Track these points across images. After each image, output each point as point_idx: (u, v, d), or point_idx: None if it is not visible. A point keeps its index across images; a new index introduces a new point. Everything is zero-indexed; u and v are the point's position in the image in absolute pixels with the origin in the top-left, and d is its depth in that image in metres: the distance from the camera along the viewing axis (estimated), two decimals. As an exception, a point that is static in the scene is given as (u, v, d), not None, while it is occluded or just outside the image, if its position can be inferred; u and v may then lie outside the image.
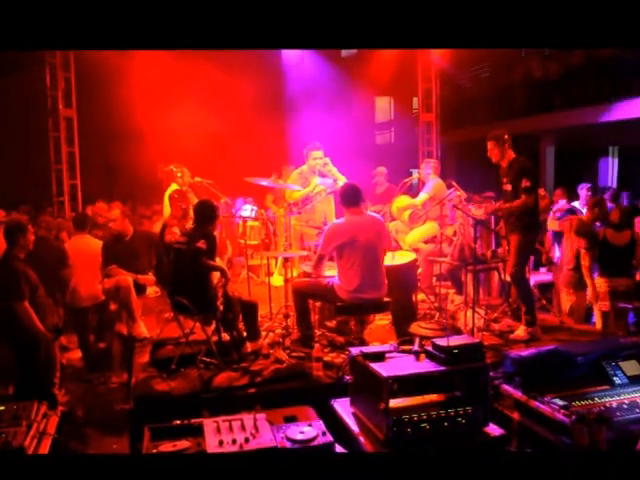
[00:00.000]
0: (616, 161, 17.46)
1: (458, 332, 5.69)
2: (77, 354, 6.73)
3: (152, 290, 7.40)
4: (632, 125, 13.22)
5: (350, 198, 5.29)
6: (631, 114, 12.61)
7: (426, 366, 3.61)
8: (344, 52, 18.41)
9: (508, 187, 5.83)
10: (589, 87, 13.79)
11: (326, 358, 5.13)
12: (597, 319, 6.39)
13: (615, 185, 16.09)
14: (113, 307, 6.60)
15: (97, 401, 5.65)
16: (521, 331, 5.77)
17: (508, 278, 6.19)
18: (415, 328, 5.99)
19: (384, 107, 23.71)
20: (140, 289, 6.47)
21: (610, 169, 17.46)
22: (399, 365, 3.60)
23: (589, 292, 6.43)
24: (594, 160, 17.77)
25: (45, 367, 5.10)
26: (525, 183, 5.64)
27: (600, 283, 6.28)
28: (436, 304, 6.73)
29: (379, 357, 3.72)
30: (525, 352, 4.35)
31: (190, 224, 5.69)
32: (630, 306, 6.10)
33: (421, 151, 12.40)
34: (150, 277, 6.51)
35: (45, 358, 5.08)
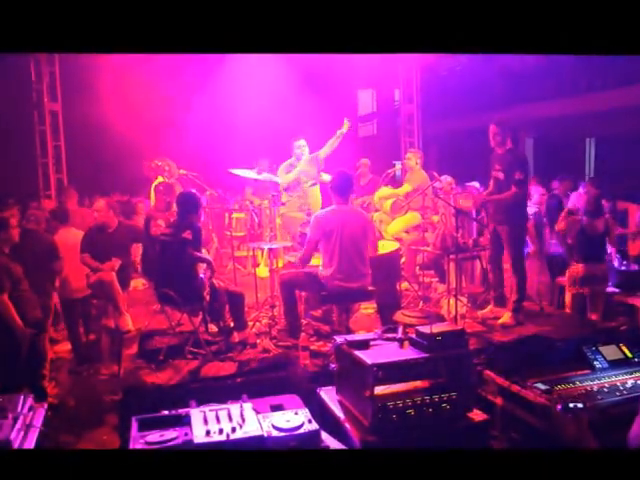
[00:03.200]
0: (593, 152, 17.63)
1: (441, 319, 5.77)
2: (66, 346, 6.71)
3: (139, 282, 7.40)
4: (609, 116, 13.38)
5: (341, 189, 5.32)
6: (608, 105, 12.76)
7: (410, 353, 3.64)
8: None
9: (501, 175, 5.78)
10: (567, 79, 13.92)
11: (312, 347, 5.19)
12: (568, 303, 6.48)
13: (592, 175, 16.27)
14: (95, 301, 6.59)
15: (87, 393, 5.64)
16: (507, 317, 5.84)
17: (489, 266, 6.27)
18: (399, 316, 6.03)
19: (366, 99, 23.70)
20: (124, 283, 6.46)
21: (587, 160, 17.63)
22: (383, 352, 3.64)
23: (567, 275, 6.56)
24: (572, 150, 17.92)
25: (28, 361, 5.07)
26: (519, 175, 5.61)
27: (577, 269, 6.37)
28: (420, 292, 6.80)
29: (364, 345, 3.75)
30: (507, 338, 4.42)
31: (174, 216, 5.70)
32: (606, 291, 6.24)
33: (403, 142, 12.43)
34: (114, 262, 6.25)
35: (28, 352, 5.04)
